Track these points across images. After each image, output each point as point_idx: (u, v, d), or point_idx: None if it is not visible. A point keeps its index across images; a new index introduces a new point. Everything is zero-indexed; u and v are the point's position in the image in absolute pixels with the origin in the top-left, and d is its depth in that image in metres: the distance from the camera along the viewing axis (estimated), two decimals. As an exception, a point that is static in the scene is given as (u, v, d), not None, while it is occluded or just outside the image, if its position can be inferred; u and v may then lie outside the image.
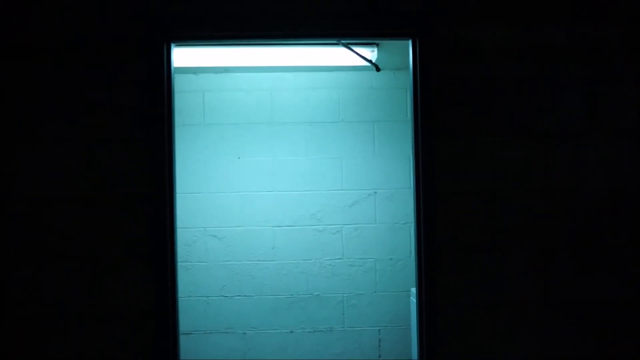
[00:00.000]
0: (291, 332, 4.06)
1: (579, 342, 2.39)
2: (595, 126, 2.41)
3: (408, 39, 2.49)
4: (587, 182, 2.40)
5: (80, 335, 2.31)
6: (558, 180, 2.40)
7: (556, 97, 2.40)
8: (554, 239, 2.39)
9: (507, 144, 2.39)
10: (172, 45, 2.46)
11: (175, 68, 3.56)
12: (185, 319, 3.97)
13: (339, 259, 4.08)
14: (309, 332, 4.08)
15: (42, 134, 2.33)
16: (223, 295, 4.03)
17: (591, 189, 2.40)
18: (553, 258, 2.40)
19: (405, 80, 4.05)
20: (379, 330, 4.06)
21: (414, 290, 3.34)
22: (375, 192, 4.08)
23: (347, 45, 3.33)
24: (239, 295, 4.05)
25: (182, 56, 3.54)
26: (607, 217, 2.40)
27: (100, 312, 2.31)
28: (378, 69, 3.76)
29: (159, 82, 2.40)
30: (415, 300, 2.58)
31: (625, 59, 2.42)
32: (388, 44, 3.45)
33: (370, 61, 3.52)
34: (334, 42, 3.28)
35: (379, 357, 4.05)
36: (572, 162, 2.40)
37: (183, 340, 3.86)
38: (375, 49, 3.47)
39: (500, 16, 2.40)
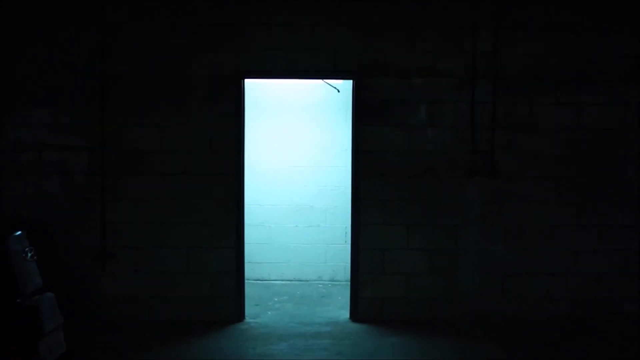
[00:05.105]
0: (296, 226, 7.19)
1: (425, 216, 5.46)
2: (432, 123, 5.41)
3: (351, 80, 5.52)
4: (427, 147, 5.40)
5: (209, 201, 5.42)
6: (415, 147, 5.40)
7: (415, 109, 5.40)
8: (412, 172, 5.41)
9: (392, 131, 5.40)
10: (245, 81, 5.49)
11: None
12: (238, 217, 7.08)
13: (324, 185, 7.16)
14: (307, 227, 7.20)
15: (189, 122, 5.38)
16: (258, 204, 7.13)
17: (429, 150, 5.40)
18: (414, 181, 5.41)
19: (366, 85, 7.07)
20: (346, 227, 7.09)
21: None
22: (346, 150, 7.09)
23: (324, 80, 6.42)
24: (267, 204, 7.16)
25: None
26: (437, 162, 5.43)
27: (217, 196, 5.40)
28: (338, 91, 6.84)
29: (240, 97, 5.43)
30: (352, 199, 5.66)
31: (448, 94, 5.40)
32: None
33: (334, 87, 6.64)
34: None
35: (345, 242, 7.12)
36: (421, 140, 5.41)
37: (237, 228, 6.99)
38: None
39: (390, 73, 5.37)
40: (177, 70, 5.36)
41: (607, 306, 5.51)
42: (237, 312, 5.50)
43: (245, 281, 5.68)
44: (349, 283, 5.73)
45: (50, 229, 5.14)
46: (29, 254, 4.11)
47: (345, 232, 7.09)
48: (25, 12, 5.31)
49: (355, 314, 5.55)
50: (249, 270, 6.88)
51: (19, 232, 4.13)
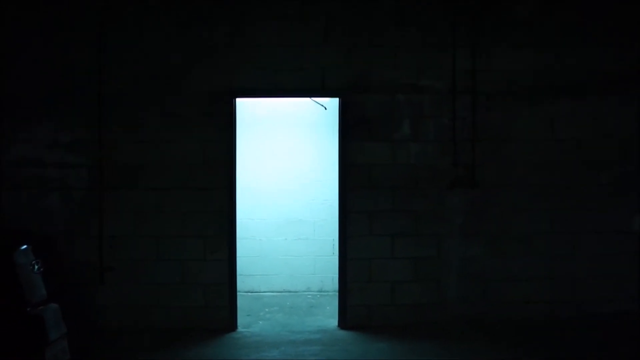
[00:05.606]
0: (285, 239, 7.41)
1: (409, 226, 5.73)
2: (415, 138, 5.70)
3: (337, 98, 5.80)
4: (411, 161, 5.69)
5: (203, 215, 5.64)
6: (399, 160, 5.68)
7: (399, 124, 5.69)
8: (397, 184, 5.68)
9: (377, 145, 5.67)
10: (237, 99, 5.75)
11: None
12: (229, 231, 7.29)
13: (313, 199, 7.40)
14: (296, 239, 7.42)
15: (183, 139, 5.62)
16: (250, 218, 7.36)
17: (413, 163, 5.69)
18: (399, 193, 5.69)
19: (351, 102, 7.35)
20: (333, 239, 7.29)
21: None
22: (334, 164, 7.28)
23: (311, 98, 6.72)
24: (259, 218, 7.39)
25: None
26: (421, 174, 5.71)
27: (210, 209, 5.63)
28: (325, 108, 7.12)
29: (231, 115, 5.68)
30: (340, 211, 5.91)
31: (429, 109, 5.69)
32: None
33: (321, 104, 6.95)
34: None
35: (333, 253, 7.34)
36: (405, 153, 5.69)
37: (228, 241, 7.20)
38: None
39: (375, 90, 5.66)
40: (171, 87, 5.61)
41: (582, 308, 5.81)
42: (230, 321, 5.71)
43: (237, 293, 5.88)
44: (337, 293, 5.95)
45: (52, 241, 5.34)
46: (36, 267, 4.31)
47: (333, 244, 7.30)
48: (27, 12, 5.60)
49: (344, 322, 5.78)
50: (240, 283, 7.04)
51: (25, 247, 4.34)
